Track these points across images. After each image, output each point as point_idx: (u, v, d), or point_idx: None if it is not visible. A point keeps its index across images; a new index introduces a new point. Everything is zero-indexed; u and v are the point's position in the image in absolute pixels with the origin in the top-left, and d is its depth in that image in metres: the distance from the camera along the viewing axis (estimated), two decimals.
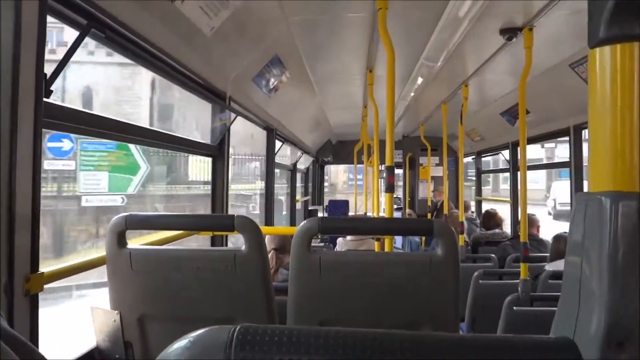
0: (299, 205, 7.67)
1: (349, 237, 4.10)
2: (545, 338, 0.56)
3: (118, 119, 1.90)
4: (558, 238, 3.34)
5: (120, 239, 1.55)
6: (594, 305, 0.55)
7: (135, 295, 1.57)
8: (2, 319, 0.61)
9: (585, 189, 0.63)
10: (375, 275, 1.50)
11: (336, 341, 0.53)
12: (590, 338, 0.54)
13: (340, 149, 8.56)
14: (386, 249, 2.38)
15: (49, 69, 1.35)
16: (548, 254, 3.56)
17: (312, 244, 1.54)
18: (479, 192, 7.33)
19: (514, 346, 0.55)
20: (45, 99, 1.32)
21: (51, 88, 1.35)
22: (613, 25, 0.57)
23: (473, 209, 7.20)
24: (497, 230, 5.12)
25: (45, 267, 1.36)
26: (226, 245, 2.99)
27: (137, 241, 2.01)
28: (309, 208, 7.89)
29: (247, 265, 1.51)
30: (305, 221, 1.51)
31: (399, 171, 8.64)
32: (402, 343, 0.54)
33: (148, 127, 2.23)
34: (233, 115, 2.98)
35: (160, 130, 2.36)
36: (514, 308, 2.70)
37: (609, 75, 0.59)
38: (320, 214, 7.81)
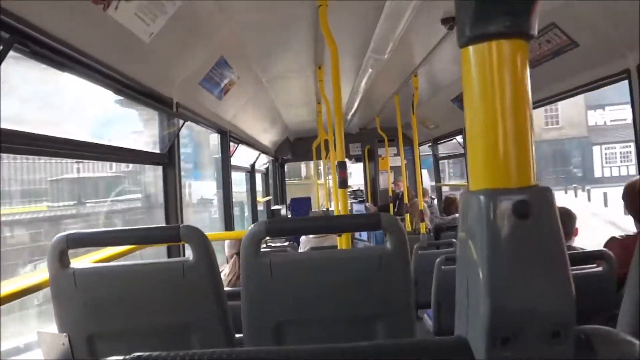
0: (261, 207, 7.62)
1: (311, 235, 4.10)
2: (442, 339, 0.56)
3: (54, 135, 1.82)
4: None
5: (62, 259, 1.49)
6: (480, 302, 0.55)
7: (83, 315, 1.52)
8: None
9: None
10: (328, 273, 1.50)
11: None
12: (478, 336, 0.55)
13: (299, 146, 8.55)
14: (344, 244, 2.38)
15: None
16: None
17: (278, 244, 1.52)
18: (437, 178, 7.46)
19: (413, 350, 0.54)
20: None
21: None
22: (478, 24, 0.58)
23: (433, 195, 7.33)
24: (456, 215, 5.23)
25: None
26: (184, 254, 2.94)
27: (87, 257, 1.95)
28: (272, 208, 7.85)
29: (196, 274, 1.49)
30: (252, 225, 1.50)
31: (359, 164, 8.71)
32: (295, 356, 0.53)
33: (91, 141, 2.15)
34: (182, 121, 2.92)
35: (103, 143, 2.29)
36: (442, 267, 2.80)
37: (478, 73, 0.59)
38: (283, 213, 7.78)
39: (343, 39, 2.40)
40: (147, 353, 0.53)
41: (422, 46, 3.48)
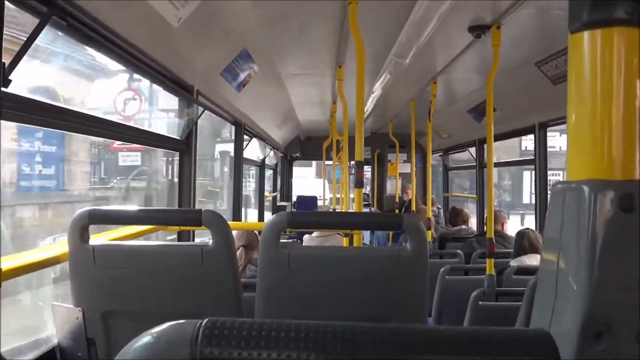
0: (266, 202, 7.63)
1: (315, 234, 4.09)
2: (521, 330, 0.56)
3: (80, 111, 1.83)
4: (521, 234, 3.41)
5: (82, 234, 1.50)
6: (571, 296, 0.54)
7: (99, 292, 1.53)
8: None
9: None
10: (345, 269, 1.50)
11: (306, 334, 0.52)
12: (566, 330, 0.54)
13: (309, 145, 8.55)
14: (355, 244, 2.38)
15: (7, 58, 1.29)
16: (512, 250, 3.64)
17: (283, 240, 1.53)
18: (446, 188, 7.44)
19: (489, 338, 0.54)
20: (3, 89, 1.27)
21: (10, 77, 1.30)
22: (594, 10, 0.56)
23: (440, 205, 7.31)
24: (463, 227, 5.22)
25: (4, 263, 1.31)
26: (193, 241, 2.94)
27: (103, 236, 1.96)
28: (278, 204, 7.86)
29: (214, 260, 1.49)
30: (274, 215, 1.50)
31: (367, 168, 8.69)
32: (375, 335, 0.53)
33: (112, 119, 2.17)
34: (200, 109, 2.93)
35: (125, 124, 2.30)
36: (480, 303, 2.75)
37: (588, 62, 0.58)
38: (288, 209, 7.78)
39: (366, 39, 2.39)
40: (223, 318, 0.53)
41: (445, 53, 3.47)
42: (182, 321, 0.54)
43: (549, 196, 0.63)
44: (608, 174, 0.56)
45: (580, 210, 0.55)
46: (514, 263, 3.27)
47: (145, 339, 0.52)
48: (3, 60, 1.26)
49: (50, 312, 1.61)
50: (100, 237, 1.84)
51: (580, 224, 0.55)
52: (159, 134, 2.66)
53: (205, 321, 0.53)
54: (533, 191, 4.23)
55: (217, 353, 0.50)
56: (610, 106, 0.57)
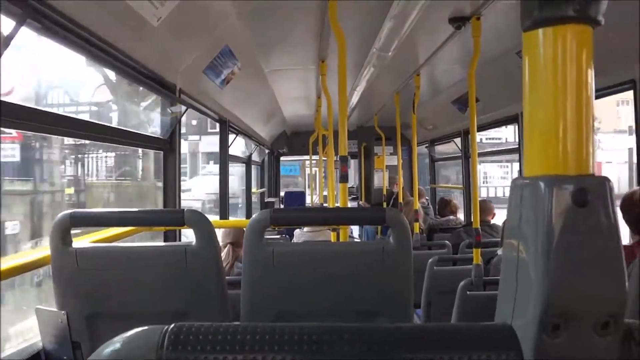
0: (255, 198, 7.62)
1: (305, 229, 4.10)
2: (485, 324, 0.57)
3: (60, 113, 1.82)
4: (505, 223, 3.44)
5: (64, 237, 1.49)
6: (530, 289, 0.55)
7: (83, 294, 1.52)
8: None
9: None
10: (329, 265, 1.51)
11: (271, 336, 0.53)
12: (527, 322, 0.55)
13: (295, 140, 8.54)
14: (341, 239, 2.39)
15: None
16: (499, 239, 3.68)
17: (268, 236, 1.53)
18: (432, 180, 7.48)
19: (453, 334, 0.55)
20: None
21: None
22: (545, 7, 0.57)
23: (427, 196, 7.35)
24: (451, 217, 5.26)
25: None
26: (179, 240, 2.94)
27: (87, 237, 1.95)
28: (266, 200, 7.85)
29: (198, 259, 1.49)
30: (257, 213, 1.50)
31: (354, 161, 8.71)
32: (340, 335, 0.53)
33: (93, 121, 2.15)
34: (184, 107, 2.91)
35: (106, 125, 2.28)
36: (468, 292, 2.77)
37: (542, 58, 0.59)
38: (276, 206, 7.78)
39: (348, 34, 2.40)
40: (190, 323, 0.54)
41: (427, 45, 3.48)
42: (148, 327, 0.54)
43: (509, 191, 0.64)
44: (563, 169, 0.57)
45: (537, 205, 0.57)
46: (500, 252, 3.30)
47: (113, 343, 0.53)
48: None
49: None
50: (82, 240, 1.83)
51: (537, 219, 0.56)
52: (142, 134, 2.65)
53: (171, 326, 0.54)
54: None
55: (182, 357, 0.51)
56: (565, 103, 0.58)
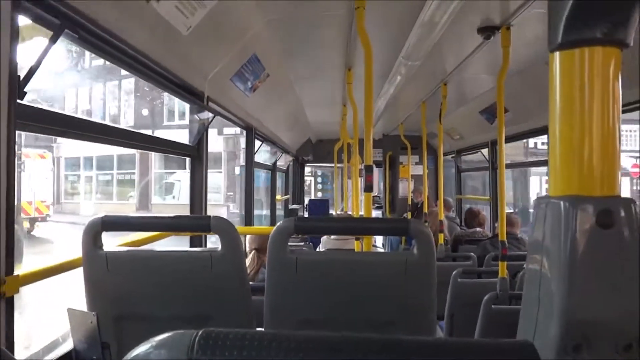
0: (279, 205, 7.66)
1: (332, 237, 4.10)
2: (506, 341, 0.56)
3: (93, 120, 1.87)
4: None
5: (96, 241, 1.53)
6: (552, 307, 0.54)
7: (112, 297, 1.56)
8: None
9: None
10: (352, 274, 1.50)
11: (298, 344, 0.53)
12: (548, 340, 0.54)
13: (320, 148, 8.56)
14: (365, 248, 2.38)
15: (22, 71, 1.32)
16: (526, 252, 3.60)
17: (292, 243, 1.54)
18: (458, 190, 7.40)
19: (473, 349, 0.54)
20: (19, 101, 1.30)
21: (25, 89, 1.33)
22: (572, 30, 0.57)
23: (454, 207, 7.27)
24: (477, 229, 5.18)
25: (20, 270, 1.34)
26: (205, 246, 2.97)
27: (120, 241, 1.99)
28: (290, 207, 7.88)
29: (223, 265, 1.51)
30: (281, 221, 1.51)
31: (378, 170, 8.68)
32: (365, 345, 0.53)
33: (124, 127, 2.20)
34: (211, 115, 2.96)
35: (137, 131, 2.33)
36: (492, 306, 2.73)
37: (568, 79, 0.58)
38: (300, 214, 7.80)
39: (375, 42, 2.40)
40: (218, 329, 0.55)
41: (455, 54, 3.46)
42: (180, 331, 0.56)
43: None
44: (588, 189, 0.56)
45: (560, 225, 0.56)
46: None
47: (144, 347, 0.55)
48: (18, 74, 1.29)
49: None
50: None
51: (561, 239, 0.55)
52: (170, 141, 2.70)
53: (200, 332, 0.55)
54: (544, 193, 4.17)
55: None
56: (591, 122, 0.57)
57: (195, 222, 1.69)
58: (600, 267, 0.54)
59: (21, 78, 1.31)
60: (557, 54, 0.59)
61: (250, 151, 4.46)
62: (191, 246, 2.92)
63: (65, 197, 23.02)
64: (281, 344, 0.53)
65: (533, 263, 0.60)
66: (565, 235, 0.55)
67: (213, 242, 3.49)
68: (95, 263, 1.53)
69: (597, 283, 0.53)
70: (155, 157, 19.94)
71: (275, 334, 0.55)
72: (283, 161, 7.64)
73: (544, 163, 4.32)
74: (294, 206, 7.94)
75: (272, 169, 6.67)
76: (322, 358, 0.53)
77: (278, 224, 1.51)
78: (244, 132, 4.50)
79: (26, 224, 15.03)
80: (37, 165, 15.73)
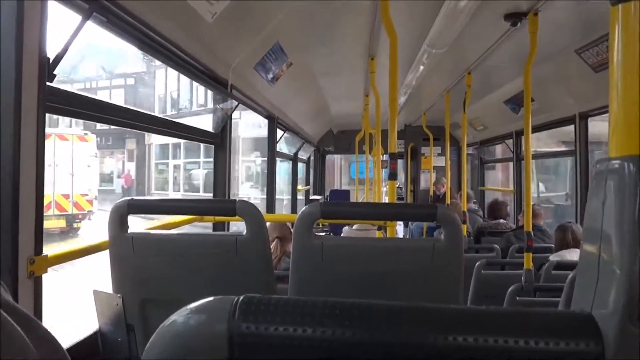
0: (300, 195, 7.68)
1: (355, 226, 4.10)
2: (563, 311, 0.55)
3: (120, 105, 1.89)
4: (563, 228, 3.32)
5: (122, 224, 1.55)
6: (614, 277, 0.52)
7: (138, 279, 1.58)
8: (7, 294, 0.61)
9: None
10: (378, 261, 1.49)
11: (338, 311, 0.53)
12: (609, 311, 0.52)
13: (342, 139, 8.53)
14: (388, 236, 2.37)
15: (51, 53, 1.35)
16: (552, 245, 3.54)
17: (317, 233, 1.53)
18: (481, 182, 7.31)
19: (528, 319, 0.53)
20: (48, 83, 1.32)
21: (54, 72, 1.35)
22: None
23: (476, 199, 7.19)
24: (501, 221, 5.11)
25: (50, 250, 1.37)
26: (228, 230, 2.99)
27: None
28: (310, 197, 7.90)
29: (248, 249, 1.51)
30: (306, 206, 1.51)
31: (400, 161, 8.62)
32: (410, 314, 0.53)
33: (151, 113, 2.23)
34: (235, 103, 2.97)
35: (163, 117, 2.36)
36: (517, 298, 2.69)
37: (631, 33, 0.56)
38: None
39: (399, 30, 2.37)
40: (259, 295, 0.55)
41: (480, 42, 3.40)
42: (220, 297, 0.56)
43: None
44: None
45: (623, 188, 0.53)
46: (553, 258, 3.19)
47: (184, 313, 0.55)
48: (48, 56, 1.31)
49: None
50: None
51: (623, 203, 0.53)
52: (195, 127, 2.72)
53: (242, 297, 0.55)
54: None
55: (253, 328, 0.52)
56: None
57: (220, 206, 1.70)
58: None
59: (51, 61, 1.33)
60: (619, 7, 0.56)
61: (272, 140, 4.47)
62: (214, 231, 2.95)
63: (155, 188, 21.54)
64: (326, 311, 0.53)
65: (591, 230, 0.57)
66: (629, 197, 0.52)
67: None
68: (121, 245, 1.56)
69: None
70: (241, 143, 17.09)
71: (316, 301, 0.55)
72: (305, 154, 7.65)
73: (570, 153, 4.23)
74: (315, 197, 7.95)
75: (294, 159, 6.68)
76: (369, 325, 0.52)
77: (303, 208, 1.51)
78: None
79: (58, 223, 12.03)
80: (77, 150, 12.63)
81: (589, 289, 0.56)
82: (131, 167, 23.52)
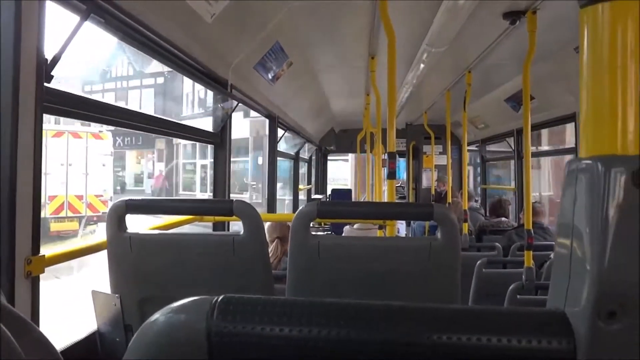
0: (302, 195, 7.68)
1: (355, 225, 4.11)
2: (536, 309, 0.55)
3: (118, 105, 1.90)
4: None
5: (120, 224, 1.56)
6: (585, 276, 0.53)
7: (135, 279, 1.58)
8: (1, 296, 0.61)
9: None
10: (375, 260, 1.49)
11: (319, 311, 0.53)
12: (580, 309, 0.53)
13: (343, 138, 8.53)
14: (388, 235, 2.37)
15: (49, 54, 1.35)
16: (553, 242, 3.53)
17: (315, 233, 1.54)
18: (483, 180, 7.31)
19: (503, 317, 0.54)
20: (46, 84, 1.33)
21: (52, 73, 1.36)
22: None
23: (477, 197, 7.18)
24: (502, 219, 5.10)
25: (47, 251, 1.38)
26: (228, 230, 3.00)
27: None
28: (312, 196, 7.90)
29: (245, 249, 1.51)
30: (303, 206, 1.51)
31: (402, 160, 8.62)
32: (390, 313, 0.53)
33: (150, 113, 2.23)
34: (234, 102, 2.98)
35: (162, 117, 2.36)
36: (518, 296, 2.69)
37: (601, 34, 0.56)
38: None
39: (399, 29, 2.38)
40: (239, 295, 0.56)
41: (480, 41, 3.40)
42: (199, 297, 0.57)
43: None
44: (622, 148, 0.54)
45: (592, 187, 0.54)
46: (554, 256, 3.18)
47: (165, 312, 0.56)
48: (45, 57, 1.32)
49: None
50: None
51: (593, 201, 0.53)
52: (194, 128, 2.73)
53: (221, 297, 0.55)
54: None
55: (231, 327, 0.53)
56: (625, 79, 0.55)
57: (218, 206, 1.71)
58: (636, 230, 0.52)
59: (48, 62, 1.33)
60: (588, 9, 0.56)
61: (273, 139, 4.47)
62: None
63: (183, 188, 21.02)
64: (304, 310, 0.54)
65: (564, 229, 0.58)
66: (598, 196, 0.53)
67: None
68: (119, 245, 1.56)
69: (632, 246, 0.51)
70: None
71: (295, 301, 0.55)
72: (306, 152, 7.65)
73: (572, 151, 4.22)
74: (317, 196, 7.96)
75: (295, 158, 6.69)
76: (346, 323, 0.53)
77: (300, 208, 1.51)
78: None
79: (71, 226, 11.48)
80: (91, 148, 12.01)
81: (562, 286, 0.57)
82: (161, 167, 23.48)
